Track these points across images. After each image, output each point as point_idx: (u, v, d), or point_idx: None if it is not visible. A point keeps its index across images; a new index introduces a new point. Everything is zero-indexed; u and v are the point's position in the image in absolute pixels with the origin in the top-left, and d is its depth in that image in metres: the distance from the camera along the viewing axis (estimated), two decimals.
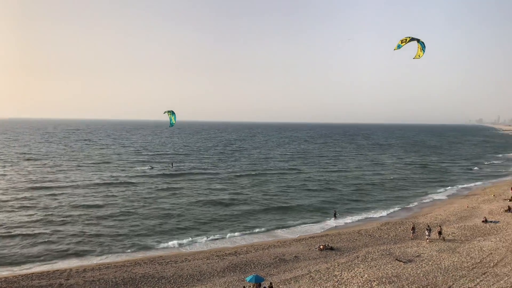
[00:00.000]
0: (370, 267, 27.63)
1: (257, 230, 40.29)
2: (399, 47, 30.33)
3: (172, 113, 52.84)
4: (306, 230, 40.70)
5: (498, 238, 34.34)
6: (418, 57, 30.94)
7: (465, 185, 69.26)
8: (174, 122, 52.70)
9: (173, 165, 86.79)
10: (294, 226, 42.18)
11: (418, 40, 30.63)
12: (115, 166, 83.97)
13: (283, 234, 39.49)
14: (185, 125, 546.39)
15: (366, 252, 31.51)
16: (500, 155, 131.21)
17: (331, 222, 43.88)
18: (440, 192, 62.55)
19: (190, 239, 36.75)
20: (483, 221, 40.03)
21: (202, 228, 40.31)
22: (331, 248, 32.83)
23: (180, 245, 35.32)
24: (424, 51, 30.77)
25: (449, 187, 66.91)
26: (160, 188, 60.39)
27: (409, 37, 30.52)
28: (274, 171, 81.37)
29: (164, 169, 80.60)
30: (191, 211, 46.56)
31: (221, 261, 30.02)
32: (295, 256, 30.97)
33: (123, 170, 78.01)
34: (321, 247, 32.87)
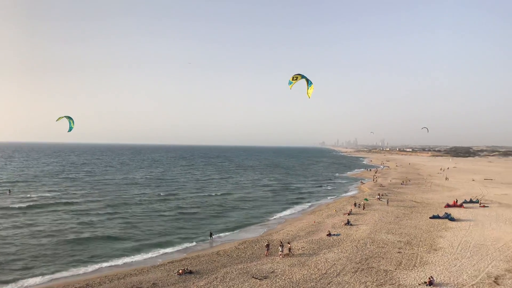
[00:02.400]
0: (228, 287, 28.30)
1: (113, 260, 37.94)
2: (290, 83, 32.67)
3: (69, 117, 48.56)
4: (165, 256, 39.87)
5: (339, 250, 38.48)
6: (309, 95, 33.65)
7: (313, 202, 76.37)
8: (73, 126, 48.09)
9: (11, 192, 76.72)
10: (152, 253, 40.87)
11: (306, 79, 33.27)
12: None
13: (141, 262, 37.97)
14: (35, 147, 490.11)
15: (225, 272, 32.17)
16: (343, 174, 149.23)
17: (204, 244, 44.52)
18: (293, 210, 67.68)
19: (34, 277, 32.77)
20: (327, 235, 44.49)
21: (48, 265, 36.06)
22: (190, 272, 32.67)
23: (23, 284, 31.31)
24: (310, 87, 33.39)
25: (300, 205, 73.01)
26: None
27: (300, 75, 33.01)
28: (134, 197, 77.83)
29: None
30: (33, 247, 41.20)
31: None
32: (153, 283, 29.97)
33: None
34: (180, 271, 32.47)
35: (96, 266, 36.30)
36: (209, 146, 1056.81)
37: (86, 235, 47.04)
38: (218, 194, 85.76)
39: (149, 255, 40.14)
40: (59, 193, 79.68)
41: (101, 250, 41.16)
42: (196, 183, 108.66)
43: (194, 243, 44.85)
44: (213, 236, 46.87)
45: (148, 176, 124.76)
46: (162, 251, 41.63)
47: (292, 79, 32.86)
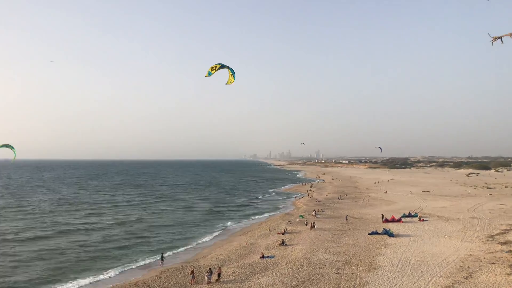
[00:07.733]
0: None
1: None
2: (209, 74, 32.03)
3: (11, 147, 46.40)
4: None
5: (274, 273, 37.14)
6: (230, 82, 33.64)
7: (245, 221, 74.86)
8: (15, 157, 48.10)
9: None
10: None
11: (228, 67, 33.20)
12: None
13: None
14: None
15: None
16: (277, 189, 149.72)
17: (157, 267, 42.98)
18: (223, 231, 65.60)
19: None
20: (260, 257, 43.02)
21: None
22: None
23: None
24: (234, 77, 33.46)
25: (231, 225, 71.27)
26: None
27: (219, 64, 32.65)
28: (37, 224, 71.66)
29: None
30: None
31: None
32: None
33: None
34: None
35: None
36: (128, 161, 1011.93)
37: None
38: (141, 218, 79.87)
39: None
40: None
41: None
42: (116, 206, 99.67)
43: (108, 275, 41.36)
44: (164, 259, 45.13)
45: (57, 198, 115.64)
46: (72, 284, 38.29)
47: (212, 69, 32.73)
